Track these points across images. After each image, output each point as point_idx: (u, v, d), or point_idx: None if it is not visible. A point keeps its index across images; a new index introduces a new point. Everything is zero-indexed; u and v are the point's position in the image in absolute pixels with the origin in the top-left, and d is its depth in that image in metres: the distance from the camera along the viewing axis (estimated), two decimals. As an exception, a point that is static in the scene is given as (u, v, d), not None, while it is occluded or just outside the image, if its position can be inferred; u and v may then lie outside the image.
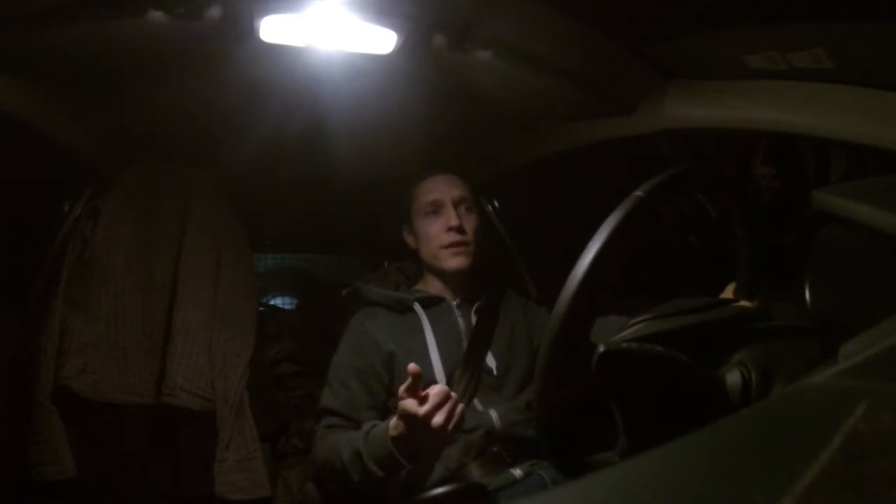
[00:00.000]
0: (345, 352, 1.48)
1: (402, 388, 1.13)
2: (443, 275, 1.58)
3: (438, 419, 1.10)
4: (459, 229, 1.53)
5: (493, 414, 1.38)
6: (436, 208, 1.57)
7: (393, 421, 1.18)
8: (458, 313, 1.55)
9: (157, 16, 1.07)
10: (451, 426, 1.12)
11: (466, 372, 1.43)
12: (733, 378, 0.74)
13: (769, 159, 1.53)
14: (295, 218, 2.31)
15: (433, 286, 1.60)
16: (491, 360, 1.47)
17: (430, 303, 1.55)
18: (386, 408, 1.41)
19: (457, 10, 1.15)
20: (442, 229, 1.54)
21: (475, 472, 1.32)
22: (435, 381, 1.40)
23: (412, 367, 1.12)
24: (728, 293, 1.09)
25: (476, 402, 1.41)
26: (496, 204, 2.12)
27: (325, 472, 1.34)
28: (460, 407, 1.14)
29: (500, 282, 1.71)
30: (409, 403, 1.11)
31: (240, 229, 1.86)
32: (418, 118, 1.62)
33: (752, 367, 0.74)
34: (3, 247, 1.56)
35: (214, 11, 1.09)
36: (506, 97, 1.48)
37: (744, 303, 0.99)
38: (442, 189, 1.58)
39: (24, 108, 1.33)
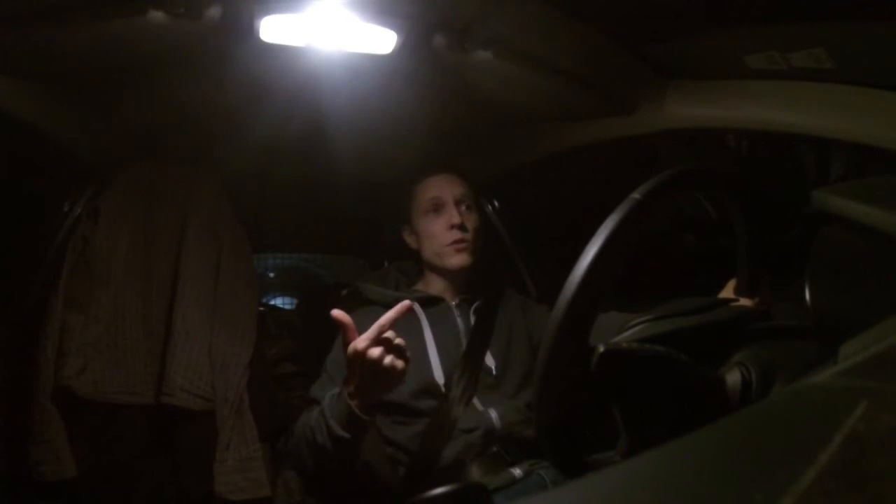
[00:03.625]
0: (339, 348, 1.48)
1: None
2: (444, 273, 1.58)
3: (374, 352, 1.10)
4: (461, 227, 1.54)
5: (493, 413, 1.38)
6: (437, 206, 1.57)
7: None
8: (456, 313, 1.55)
9: (157, 16, 1.07)
10: (387, 360, 1.11)
11: (466, 372, 1.43)
12: (733, 378, 0.74)
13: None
14: (295, 218, 2.30)
15: (433, 286, 1.60)
16: (490, 360, 1.47)
17: (429, 303, 1.55)
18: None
19: (457, 10, 1.14)
20: (444, 227, 1.55)
21: (475, 472, 1.32)
22: (434, 382, 1.40)
23: (335, 312, 1.13)
24: (728, 291, 1.09)
25: (476, 401, 1.41)
26: (496, 204, 2.12)
27: (299, 452, 1.34)
28: (398, 340, 1.14)
29: (499, 281, 1.71)
30: (350, 346, 1.12)
31: (240, 229, 1.85)
32: (418, 118, 1.62)
33: (752, 367, 0.74)
34: (2, 247, 1.56)
35: (214, 11, 1.09)
36: (506, 97, 1.48)
37: (744, 302, 0.99)
38: (443, 187, 1.58)
39: (24, 108, 1.33)
